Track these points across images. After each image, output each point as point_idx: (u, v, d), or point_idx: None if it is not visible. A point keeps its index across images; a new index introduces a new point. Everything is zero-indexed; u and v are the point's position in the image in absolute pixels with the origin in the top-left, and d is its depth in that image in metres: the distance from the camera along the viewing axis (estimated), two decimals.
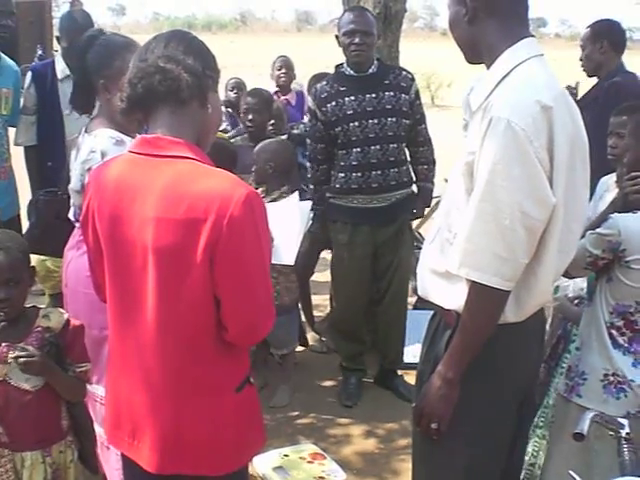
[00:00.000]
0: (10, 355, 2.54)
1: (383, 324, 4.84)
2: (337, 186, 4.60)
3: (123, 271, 2.16)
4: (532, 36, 2.32)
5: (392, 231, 4.62)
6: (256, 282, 2.08)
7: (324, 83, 4.65)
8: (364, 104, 4.46)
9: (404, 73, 4.60)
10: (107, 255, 2.20)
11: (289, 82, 6.83)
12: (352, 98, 4.47)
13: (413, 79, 4.64)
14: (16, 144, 4.72)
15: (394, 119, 4.46)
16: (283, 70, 6.81)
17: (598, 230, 2.67)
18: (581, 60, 5.04)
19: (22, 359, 2.52)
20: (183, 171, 2.05)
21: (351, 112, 4.47)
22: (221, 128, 5.11)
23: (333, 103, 4.51)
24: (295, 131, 5.28)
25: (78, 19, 4.83)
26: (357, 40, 4.39)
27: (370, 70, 4.49)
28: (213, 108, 2.16)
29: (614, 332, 2.70)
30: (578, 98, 4.83)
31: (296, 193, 3.61)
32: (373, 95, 4.45)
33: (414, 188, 4.74)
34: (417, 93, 4.65)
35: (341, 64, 4.64)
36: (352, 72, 4.52)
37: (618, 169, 3.05)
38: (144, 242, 2.06)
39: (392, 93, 4.47)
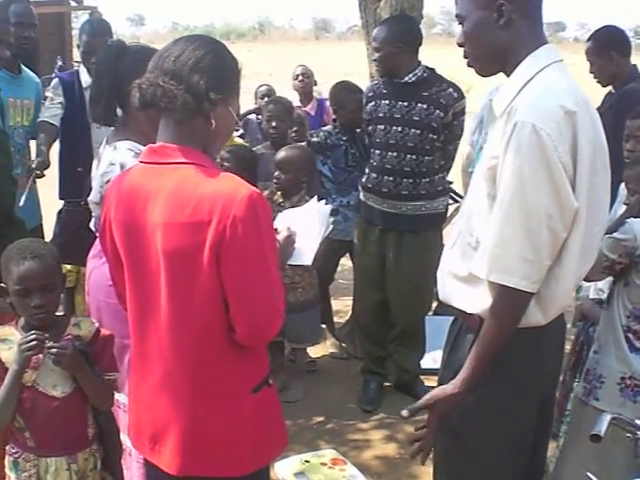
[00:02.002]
0: (46, 344, 2.55)
1: (394, 334, 4.87)
2: (362, 180, 4.74)
3: (141, 279, 2.20)
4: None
5: (400, 240, 4.62)
6: (260, 282, 2.09)
7: (375, 83, 4.78)
8: (393, 110, 4.49)
9: (450, 90, 4.48)
10: (126, 264, 2.25)
11: (309, 89, 6.82)
12: (386, 102, 4.53)
13: (459, 99, 4.49)
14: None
15: (418, 131, 4.43)
16: (300, 77, 6.81)
17: (615, 235, 2.68)
18: (592, 73, 4.97)
19: (54, 349, 2.54)
20: (187, 176, 2.09)
21: (382, 115, 4.54)
22: (237, 133, 5.12)
23: (372, 103, 4.62)
24: (315, 139, 5.30)
25: (94, 27, 4.90)
26: (375, 56, 4.54)
27: (406, 78, 4.48)
28: (219, 123, 2.16)
29: (631, 336, 2.71)
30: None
31: (315, 197, 3.65)
32: (405, 103, 4.46)
33: (438, 204, 4.64)
34: (459, 113, 4.51)
35: None
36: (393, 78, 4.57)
37: (628, 169, 3.06)
38: (157, 248, 2.11)
39: (425, 106, 4.42)
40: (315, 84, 7.01)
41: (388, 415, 4.67)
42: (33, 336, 2.54)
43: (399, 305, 4.74)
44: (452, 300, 2.45)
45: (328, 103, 6.11)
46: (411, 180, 4.50)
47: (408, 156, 4.47)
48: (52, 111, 4.71)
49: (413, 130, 4.44)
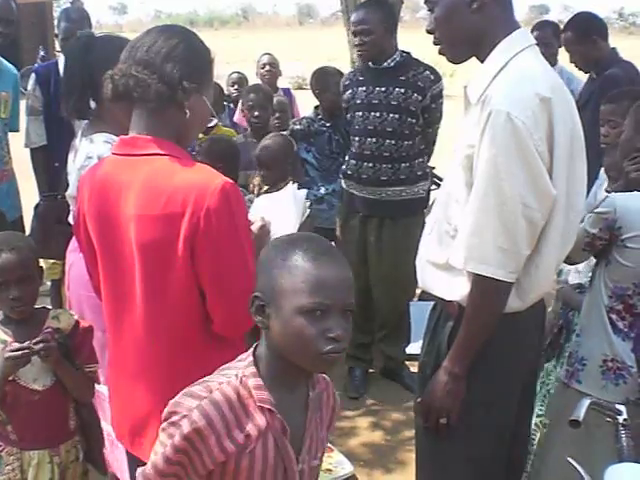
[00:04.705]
0: (34, 342, 2.54)
1: (379, 322, 4.89)
2: (342, 167, 4.76)
3: (115, 271, 2.20)
4: None
5: (381, 227, 4.62)
6: (236, 272, 2.08)
7: (351, 71, 4.81)
8: (371, 96, 4.49)
9: (426, 73, 4.47)
10: (100, 256, 2.24)
11: (275, 79, 6.68)
12: (363, 89, 4.53)
13: (436, 81, 4.49)
14: (27, 146, 4.73)
15: (397, 116, 4.43)
16: (267, 68, 6.65)
17: (596, 210, 2.68)
18: (573, 62, 4.98)
19: (41, 344, 2.53)
20: (160, 167, 2.08)
21: (359, 102, 4.54)
22: (212, 124, 5.07)
23: (349, 91, 4.62)
24: (297, 126, 5.29)
25: (72, 14, 4.86)
26: (357, 41, 4.47)
27: (385, 64, 4.47)
28: (193, 112, 2.14)
29: (614, 316, 2.70)
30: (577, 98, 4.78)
31: (294, 184, 3.64)
32: (382, 89, 4.45)
33: (418, 189, 4.62)
34: (437, 96, 4.49)
35: None
36: (371, 64, 4.55)
37: (607, 156, 3.06)
38: (130, 240, 2.10)
39: (402, 90, 4.41)
40: (280, 74, 6.87)
41: (374, 402, 4.70)
42: (17, 345, 2.53)
43: (381, 292, 4.74)
44: (431, 287, 2.46)
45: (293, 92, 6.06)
46: (390, 165, 4.50)
47: (387, 141, 4.47)
48: (39, 129, 4.67)
49: (392, 115, 4.43)
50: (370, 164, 4.53)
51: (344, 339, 1.68)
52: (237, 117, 6.15)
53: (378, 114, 4.46)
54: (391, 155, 4.49)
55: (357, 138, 4.58)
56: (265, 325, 1.73)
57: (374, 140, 4.49)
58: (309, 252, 1.69)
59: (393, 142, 4.47)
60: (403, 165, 4.51)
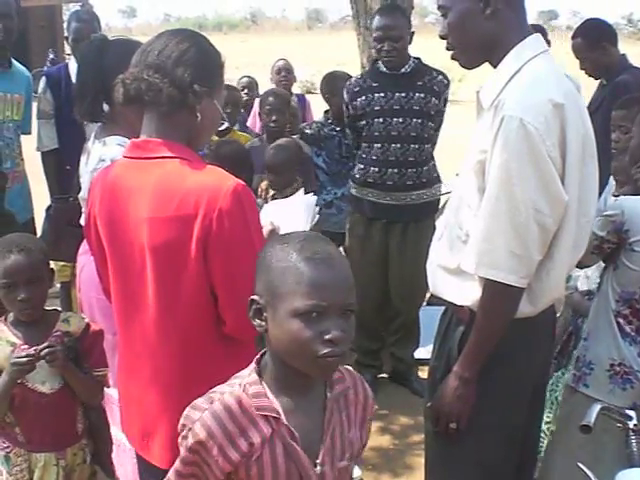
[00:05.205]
0: (40, 347, 2.54)
1: (395, 326, 4.89)
2: (356, 176, 4.69)
3: (125, 273, 2.20)
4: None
5: (405, 231, 4.63)
6: (248, 274, 2.00)
7: (358, 77, 4.78)
8: (392, 102, 4.49)
9: (440, 77, 4.59)
10: (110, 259, 2.25)
11: (290, 85, 6.67)
12: (381, 95, 4.52)
13: (447, 85, 4.62)
14: (39, 150, 4.76)
15: (419, 120, 4.47)
16: (283, 73, 6.63)
17: (604, 213, 2.68)
18: (583, 69, 4.99)
19: (47, 350, 2.53)
20: (172, 170, 2.08)
21: (378, 108, 4.52)
22: (223, 127, 5.06)
23: (363, 97, 4.59)
24: (308, 131, 5.30)
25: (82, 15, 4.88)
26: (385, 47, 4.44)
27: (403, 69, 4.50)
28: (205, 116, 2.15)
29: (621, 320, 2.70)
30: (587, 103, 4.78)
31: (302, 190, 3.65)
32: (402, 94, 4.47)
33: (435, 191, 4.69)
34: (446, 100, 4.63)
35: (377, 60, 4.69)
36: (385, 69, 4.56)
37: (615, 160, 3.06)
38: (141, 243, 2.10)
39: (422, 95, 4.48)
40: (295, 80, 6.84)
41: (382, 406, 4.66)
42: (24, 353, 2.54)
43: (401, 295, 4.76)
44: (442, 292, 2.46)
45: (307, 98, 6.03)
46: (414, 170, 4.53)
47: (412, 146, 4.50)
48: (50, 133, 4.69)
49: (415, 120, 4.47)
50: (395, 170, 4.52)
51: (342, 341, 1.61)
52: (250, 121, 6.16)
53: (401, 120, 4.47)
54: (415, 159, 4.52)
55: (378, 145, 4.54)
56: (264, 329, 1.71)
57: (399, 146, 4.49)
58: (303, 252, 1.63)
59: (417, 146, 4.50)
60: (424, 168, 4.57)
